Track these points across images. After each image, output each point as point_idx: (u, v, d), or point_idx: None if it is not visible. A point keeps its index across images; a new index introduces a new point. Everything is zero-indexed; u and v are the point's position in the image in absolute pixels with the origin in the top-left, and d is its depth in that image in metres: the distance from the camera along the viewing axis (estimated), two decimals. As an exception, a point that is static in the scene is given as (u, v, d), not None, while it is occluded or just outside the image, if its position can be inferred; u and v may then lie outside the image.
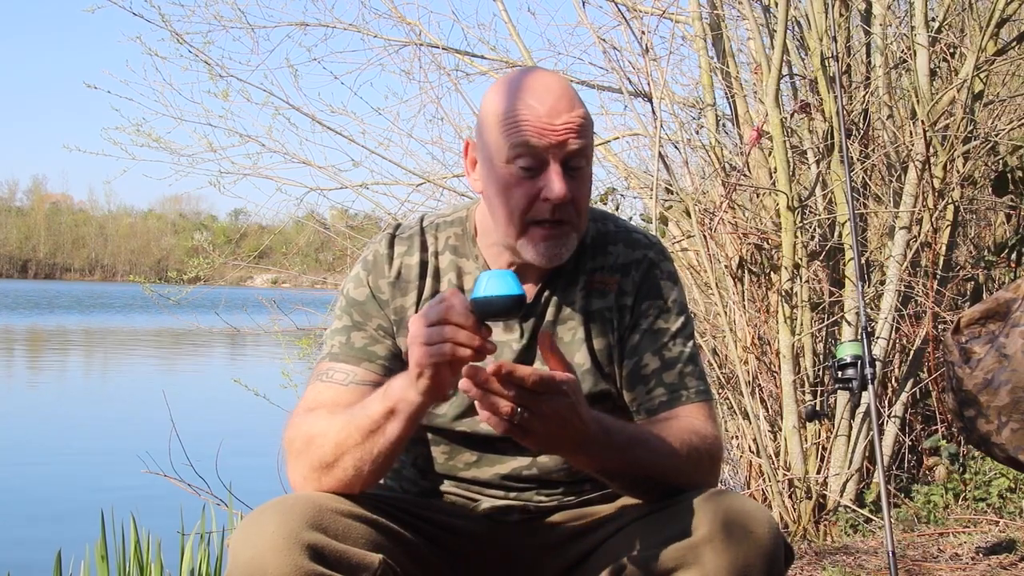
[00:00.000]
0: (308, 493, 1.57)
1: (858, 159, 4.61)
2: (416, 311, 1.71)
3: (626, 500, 1.71)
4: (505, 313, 1.42)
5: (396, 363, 1.69)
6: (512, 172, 1.61)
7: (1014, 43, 4.81)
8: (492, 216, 1.68)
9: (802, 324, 4.35)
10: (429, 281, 1.73)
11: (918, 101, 4.43)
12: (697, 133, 5.03)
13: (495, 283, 1.41)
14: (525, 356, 1.71)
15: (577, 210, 1.64)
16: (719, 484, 1.67)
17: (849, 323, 4.27)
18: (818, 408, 4.04)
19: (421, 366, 1.45)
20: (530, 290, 1.72)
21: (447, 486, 1.75)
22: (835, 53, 3.35)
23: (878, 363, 3.41)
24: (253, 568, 1.45)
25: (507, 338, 1.71)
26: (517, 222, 1.63)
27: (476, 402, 1.39)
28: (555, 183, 1.60)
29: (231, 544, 1.50)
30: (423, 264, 1.74)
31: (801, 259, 4.31)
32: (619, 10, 4.73)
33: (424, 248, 1.75)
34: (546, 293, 1.73)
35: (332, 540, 1.48)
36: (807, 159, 4.71)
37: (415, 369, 1.46)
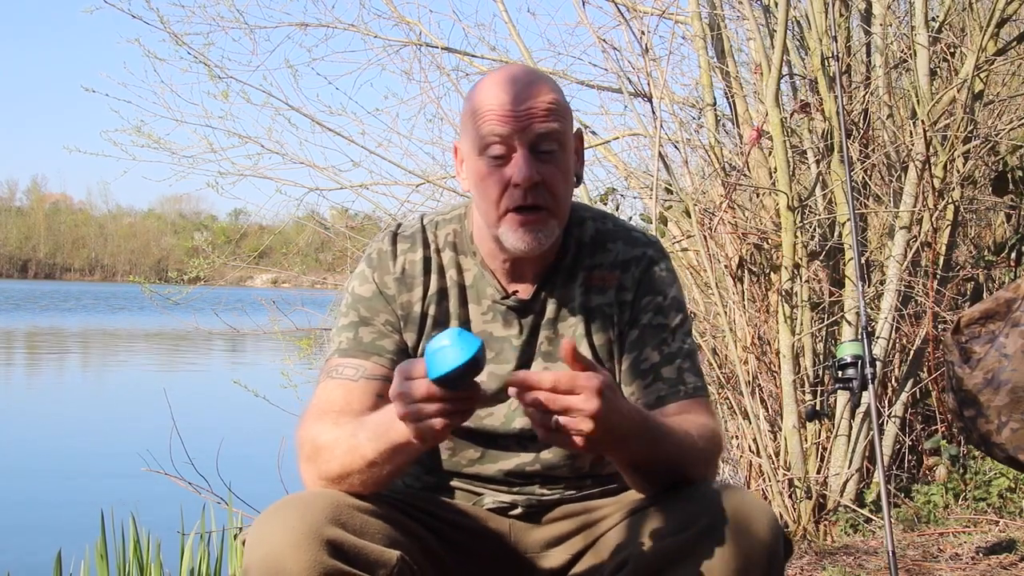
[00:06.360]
0: (326, 490, 1.58)
1: (858, 159, 4.61)
2: (423, 306, 1.73)
3: (627, 494, 1.72)
4: (466, 379, 1.36)
5: (404, 357, 1.70)
6: (485, 162, 1.64)
7: (1014, 43, 4.81)
8: (477, 211, 1.71)
9: (802, 324, 4.35)
10: (434, 276, 1.75)
11: (918, 101, 4.43)
12: (697, 133, 5.03)
13: (441, 358, 1.35)
14: (525, 352, 1.73)
15: (552, 195, 1.65)
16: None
17: (849, 323, 4.27)
18: (818, 408, 4.04)
19: (416, 438, 1.44)
20: (527, 288, 1.74)
21: (451, 482, 1.76)
22: (835, 53, 3.35)
23: (878, 363, 3.41)
24: (271, 563, 1.45)
25: (507, 334, 1.73)
26: (493, 211, 1.65)
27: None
28: (521, 167, 1.62)
29: (248, 539, 1.50)
30: (426, 260, 1.75)
31: (801, 259, 4.31)
32: (619, 10, 4.73)
33: (426, 245, 1.77)
34: (544, 291, 1.74)
35: (351, 536, 1.49)
36: (807, 159, 4.71)
37: (412, 436, 1.45)
